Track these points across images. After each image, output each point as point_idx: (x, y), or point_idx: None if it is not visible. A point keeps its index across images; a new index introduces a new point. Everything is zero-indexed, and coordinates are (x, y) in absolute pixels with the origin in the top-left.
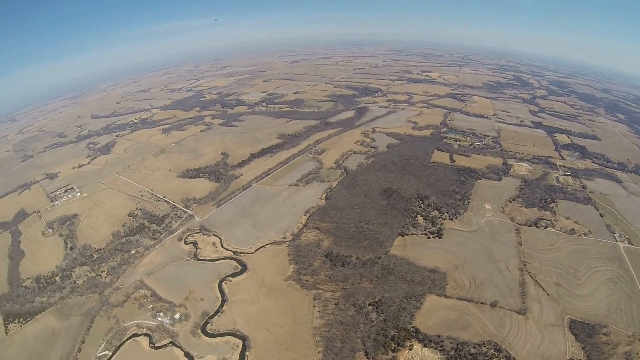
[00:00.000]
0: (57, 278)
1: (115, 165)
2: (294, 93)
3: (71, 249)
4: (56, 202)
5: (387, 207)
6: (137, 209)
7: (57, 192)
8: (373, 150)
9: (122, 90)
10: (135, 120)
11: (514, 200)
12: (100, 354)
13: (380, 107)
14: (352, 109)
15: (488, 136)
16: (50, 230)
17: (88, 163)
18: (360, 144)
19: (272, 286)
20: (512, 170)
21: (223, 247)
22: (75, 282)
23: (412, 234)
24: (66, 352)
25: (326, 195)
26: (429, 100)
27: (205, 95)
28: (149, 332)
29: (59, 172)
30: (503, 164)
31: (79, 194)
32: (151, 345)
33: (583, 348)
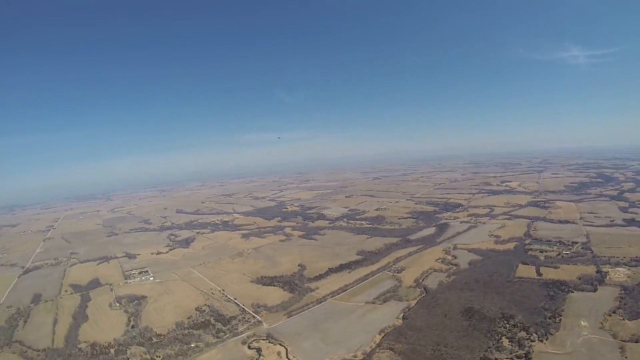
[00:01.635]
0: (112, 350)
1: (192, 260)
2: (375, 209)
3: (133, 327)
4: (129, 281)
5: (468, 329)
6: (205, 304)
7: (132, 272)
8: (454, 268)
9: (208, 191)
10: (216, 221)
11: (614, 312)
12: None
13: (461, 222)
14: (433, 226)
15: (576, 243)
16: (118, 304)
17: (166, 252)
18: (441, 261)
19: None
20: (607, 277)
21: (288, 358)
22: (128, 359)
23: (495, 359)
24: None
25: (403, 315)
26: (511, 211)
27: (287, 207)
28: None
29: (138, 254)
30: (597, 272)
31: (152, 278)
32: None
33: None
